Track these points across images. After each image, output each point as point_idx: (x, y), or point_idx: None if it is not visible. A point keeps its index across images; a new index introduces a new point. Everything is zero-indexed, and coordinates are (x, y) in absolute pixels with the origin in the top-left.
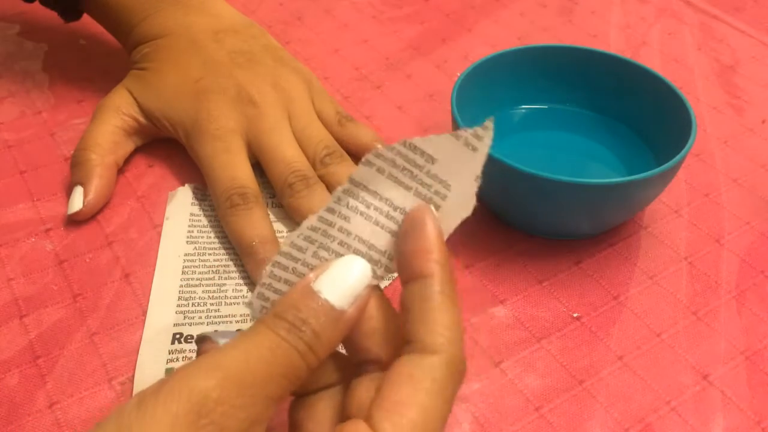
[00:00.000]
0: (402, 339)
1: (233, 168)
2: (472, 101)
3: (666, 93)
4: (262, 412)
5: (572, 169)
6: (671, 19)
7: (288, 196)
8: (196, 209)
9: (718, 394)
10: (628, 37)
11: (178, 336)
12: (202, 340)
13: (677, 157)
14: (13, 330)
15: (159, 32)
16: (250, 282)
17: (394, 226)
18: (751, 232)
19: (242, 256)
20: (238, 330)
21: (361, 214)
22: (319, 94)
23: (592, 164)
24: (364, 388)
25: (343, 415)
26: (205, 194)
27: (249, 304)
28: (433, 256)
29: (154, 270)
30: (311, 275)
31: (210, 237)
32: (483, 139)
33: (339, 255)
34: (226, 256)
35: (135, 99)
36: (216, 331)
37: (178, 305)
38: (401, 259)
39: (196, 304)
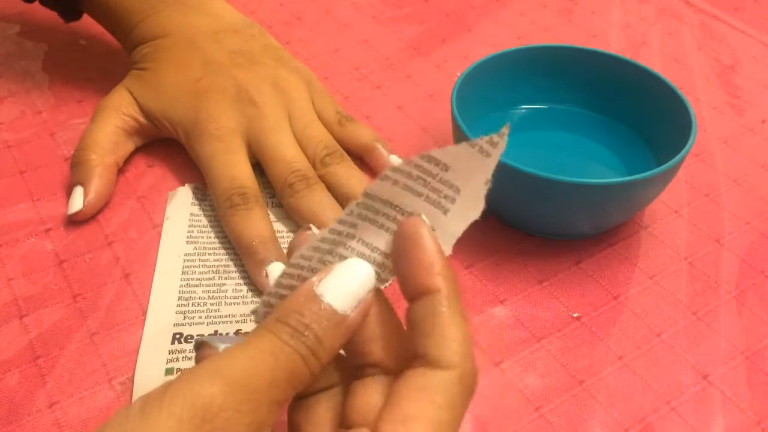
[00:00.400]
0: (408, 350)
1: (233, 168)
2: (472, 101)
3: (666, 93)
4: (266, 417)
5: (572, 169)
6: (671, 19)
7: (288, 196)
8: (196, 209)
9: (718, 394)
10: (628, 37)
11: (178, 336)
12: (200, 345)
13: (677, 157)
14: (13, 330)
15: (159, 32)
16: (250, 282)
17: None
18: (751, 232)
19: (242, 256)
20: (237, 331)
21: (369, 220)
22: (319, 94)
23: (592, 164)
24: (367, 393)
25: (344, 418)
26: (205, 194)
27: (254, 312)
28: (435, 270)
29: (154, 270)
30: (314, 279)
31: (210, 237)
32: (497, 145)
33: (343, 258)
34: (226, 256)
35: (135, 99)
36: (214, 335)
37: (178, 305)
38: (403, 276)
39: (196, 304)
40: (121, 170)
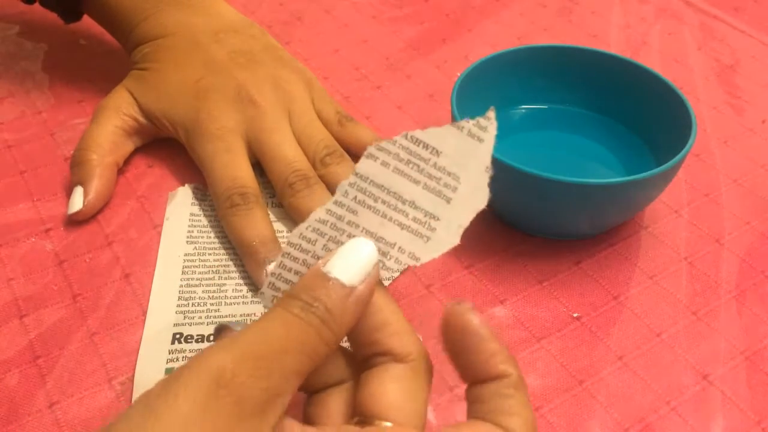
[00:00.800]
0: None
1: (234, 168)
2: (472, 101)
3: (666, 93)
4: (281, 385)
5: (572, 169)
6: (671, 19)
7: (288, 196)
8: (196, 209)
9: (718, 394)
10: (628, 37)
11: (178, 336)
12: (220, 330)
13: (677, 157)
14: (13, 330)
15: (159, 32)
16: (250, 282)
17: (403, 219)
18: (751, 232)
19: (242, 256)
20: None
21: (369, 207)
22: (319, 94)
23: (592, 164)
24: (384, 381)
25: (356, 406)
26: (205, 194)
27: (261, 294)
28: (499, 358)
29: (154, 270)
30: (320, 262)
31: (210, 237)
32: (487, 129)
33: None
34: (226, 256)
35: (135, 99)
36: (233, 321)
37: (178, 305)
38: (468, 363)
39: (196, 304)
40: (121, 170)
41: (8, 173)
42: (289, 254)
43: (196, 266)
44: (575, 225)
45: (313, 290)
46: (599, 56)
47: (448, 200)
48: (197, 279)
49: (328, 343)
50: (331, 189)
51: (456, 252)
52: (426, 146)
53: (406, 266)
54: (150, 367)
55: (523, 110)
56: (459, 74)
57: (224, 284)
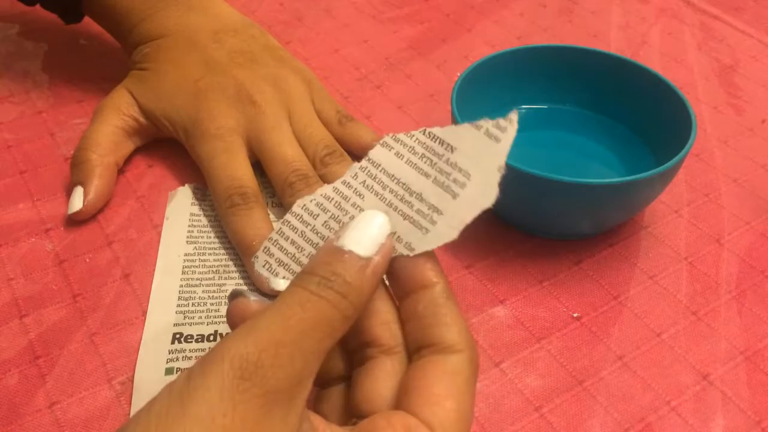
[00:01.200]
0: (415, 340)
1: (233, 168)
2: (472, 101)
3: (666, 93)
4: (303, 368)
5: (572, 169)
6: (671, 19)
7: (288, 196)
8: (196, 209)
9: (718, 394)
10: (628, 37)
11: (178, 336)
12: (235, 295)
13: (677, 157)
14: (13, 330)
15: (159, 32)
16: (250, 282)
17: (407, 210)
18: (751, 232)
19: (242, 255)
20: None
21: (376, 194)
22: (319, 94)
23: (592, 164)
24: (379, 376)
25: (352, 402)
26: (205, 194)
27: (255, 258)
28: (429, 266)
29: (154, 270)
30: (331, 237)
31: (210, 237)
32: (506, 130)
33: None
34: (226, 256)
35: (135, 99)
36: (246, 289)
37: (178, 305)
38: (398, 273)
39: (196, 304)
40: (121, 170)
41: (8, 173)
42: (289, 222)
43: (196, 266)
44: (575, 225)
45: (330, 265)
46: (599, 56)
47: (455, 195)
48: (197, 279)
49: (348, 316)
50: None
51: (456, 252)
52: (442, 142)
53: (399, 255)
54: (150, 367)
55: (523, 110)
56: (459, 74)
57: (224, 284)
